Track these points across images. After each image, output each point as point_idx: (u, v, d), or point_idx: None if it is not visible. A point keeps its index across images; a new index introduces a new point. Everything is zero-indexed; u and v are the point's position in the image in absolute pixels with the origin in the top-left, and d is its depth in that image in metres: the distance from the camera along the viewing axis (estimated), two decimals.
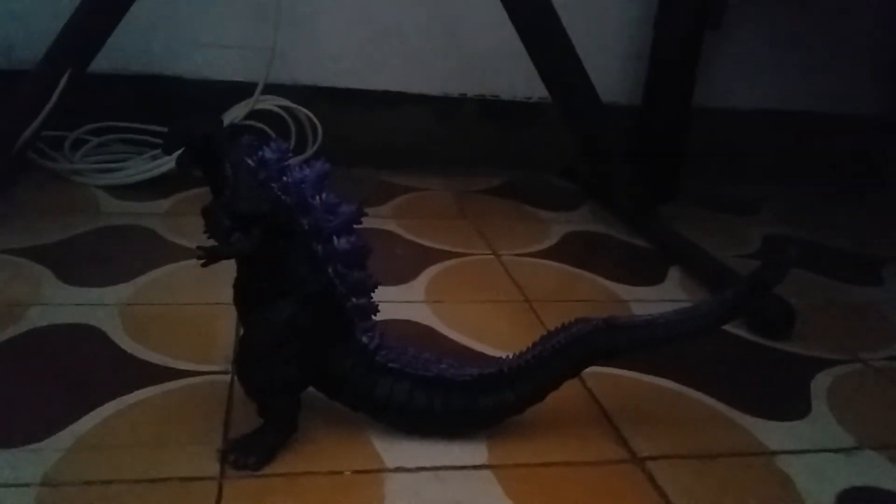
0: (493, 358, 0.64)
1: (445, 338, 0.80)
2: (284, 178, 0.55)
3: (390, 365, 0.60)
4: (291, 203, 0.55)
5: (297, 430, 0.59)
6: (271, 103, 1.21)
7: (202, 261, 0.53)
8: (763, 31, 1.40)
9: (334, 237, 0.57)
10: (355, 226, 0.58)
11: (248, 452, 0.57)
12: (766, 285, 0.64)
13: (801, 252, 0.62)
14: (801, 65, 1.45)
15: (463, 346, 0.78)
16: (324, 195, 0.56)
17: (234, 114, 1.17)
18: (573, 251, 1.07)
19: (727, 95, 1.44)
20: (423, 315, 0.84)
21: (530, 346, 0.63)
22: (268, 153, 0.55)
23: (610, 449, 0.64)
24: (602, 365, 0.72)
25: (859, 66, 1.48)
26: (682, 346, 0.65)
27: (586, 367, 0.64)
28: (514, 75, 1.30)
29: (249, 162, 0.54)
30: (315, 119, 1.23)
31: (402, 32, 1.28)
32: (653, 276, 1.01)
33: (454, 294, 0.90)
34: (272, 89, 1.21)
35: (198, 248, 0.53)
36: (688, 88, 1.30)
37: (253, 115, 1.20)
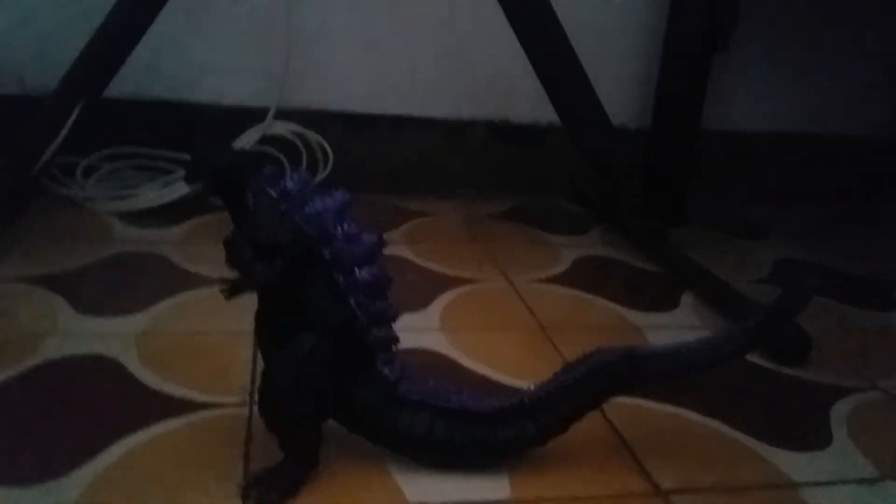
0: (514, 389, 0.63)
1: (462, 367, 0.79)
2: (306, 209, 0.55)
3: (411, 397, 0.60)
4: (313, 234, 0.55)
5: (318, 465, 0.59)
6: (282, 128, 1.22)
7: (225, 294, 0.53)
8: (770, 53, 1.41)
9: (356, 268, 0.56)
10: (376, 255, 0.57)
11: (271, 488, 0.56)
12: (787, 314, 0.64)
13: (821, 280, 0.62)
14: (808, 86, 1.45)
15: (480, 375, 0.78)
16: (345, 225, 0.56)
17: (246, 139, 1.18)
18: (585, 276, 1.07)
19: (734, 118, 1.44)
20: (438, 344, 0.83)
21: (552, 376, 0.63)
22: (289, 183, 0.55)
23: (633, 482, 0.63)
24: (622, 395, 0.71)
25: (865, 86, 1.48)
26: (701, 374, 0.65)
27: (608, 397, 0.64)
28: (524, 98, 1.31)
29: (271, 192, 0.54)
30: (326, 144, 1.24)
31: (411, 56, 1.29)
32: (666, 302, 1.01)
33: (469, 322, 0.90)
34: (282, 114, 1.22)
35: (221, 280, 0.53)
36: (696, 111, 1.30)
37: (264, 140, 1.20)
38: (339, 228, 0.56)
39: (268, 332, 0.58)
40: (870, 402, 0.80)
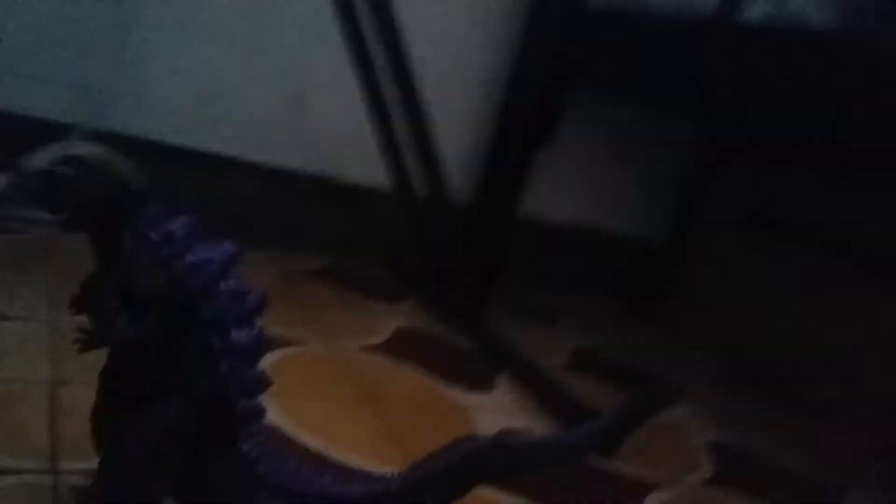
0: (376, 474, 0.59)
1: (296, 441, 0.73)
2: (188, 257, 0.48)
3: (271, 478, 0.53)
4: (194, 287, 0.48)
5: None
6: (88, 149, 1.07)
7: (79, 345, 0.44)
8: (577, 151, 1.48)
9: (234, 329, 0.49)
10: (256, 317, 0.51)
11: None
12: (642, 415, 0.66)
13: (683, 394, 0.65)
14: (604, 185, 1.55)
15: (317, 451, 0.72)
16: (230, 280, 0.49)
17: (44, 156, 1.02)
18: (407, 348, 1.05)
19: (540, 207, 1.50)
20: (269, 413, 0.76)
21: (417, 463, 0.59)
22: (174, 226, 0.47)
23: None
24: None
25: (661, 192, 1.61)
26: None
27: (473, 487, 0.61)
28: (355, 158, 1.27)
29: (152, 235, 0.46)
30: (138, 173, 1.11)
31: (245, 96, 1.21)
32: (484, 382, 1.01)
33: (298, 390, 0.84)
34: (94, 136, 1.08)
35: (78, 329, 0.44)
36: (515, 199, 1.35)
37: (66, 161, 1.05)
38: (223, 283, 0.49)
39: (117, 398, 0.48)
40: (678, 497, 0.85)
